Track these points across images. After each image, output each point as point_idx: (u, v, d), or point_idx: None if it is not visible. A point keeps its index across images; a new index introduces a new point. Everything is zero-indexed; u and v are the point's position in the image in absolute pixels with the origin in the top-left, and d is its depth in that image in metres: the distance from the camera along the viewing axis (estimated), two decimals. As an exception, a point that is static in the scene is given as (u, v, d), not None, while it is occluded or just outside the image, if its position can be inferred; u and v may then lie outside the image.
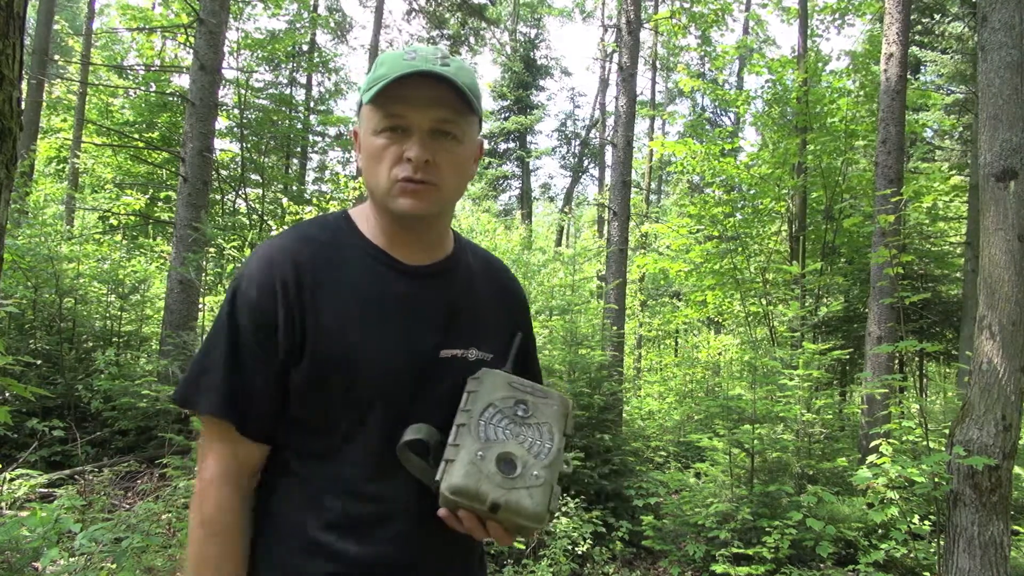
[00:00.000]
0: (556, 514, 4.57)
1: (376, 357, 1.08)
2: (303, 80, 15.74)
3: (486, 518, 1.02)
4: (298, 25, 14.35)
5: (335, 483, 1.08)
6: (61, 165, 11.83)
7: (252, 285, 1.07)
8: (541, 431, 1.07)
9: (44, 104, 11.17)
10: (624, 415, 6.83)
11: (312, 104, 15.64)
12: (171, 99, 11.16)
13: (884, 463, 4.18)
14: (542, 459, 1.03)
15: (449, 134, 1.10)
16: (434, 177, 1.08)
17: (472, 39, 19.96)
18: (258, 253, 1.12)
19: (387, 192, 1.09)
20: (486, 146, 25.31)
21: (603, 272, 8.77)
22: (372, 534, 1.07)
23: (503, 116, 25.63)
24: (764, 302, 9.14)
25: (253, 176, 13.11)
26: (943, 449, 3.86)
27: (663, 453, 6.69)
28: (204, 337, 1.13)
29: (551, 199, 31.70)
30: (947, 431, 3.98)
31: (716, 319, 12.97)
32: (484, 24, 19.24)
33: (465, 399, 1.08)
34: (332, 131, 15.48)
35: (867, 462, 4.43)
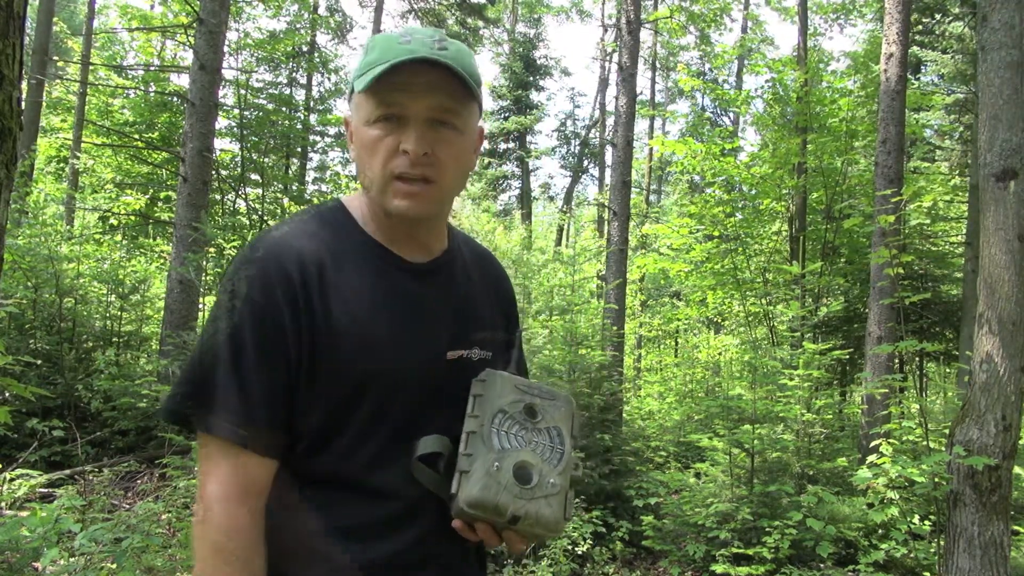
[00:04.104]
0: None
1: (388, 359, 1.03)
2: (303, 80, 15.74)
3: (502, 528, 1.00)
4: (298, 26, 14.35)
5: (347, 490, 1.03)
6: (61, 165, 11.82)
7: (255, 287, 0.99)
8: (552, 436, 1.04)
9: (44, 104, 11.16)
10: (624, 415, 6.84)
11: (312, 104, 15.64)
12: (171, 99, 11.16)
13: (884, 463, 4.18)
14: (556, 466, 1.02)
15: (448, 123, 1.04)
16: (432, 172, 1.03)
17: (471, 39, 19.94)
18: (257, 251, 1.02)
19: (383, 189, 1.04)
20: (486, 146, 25.41)
21: (603, 272, 8.77)
22: (385, 536, 1.03)
23: (503, 116, 25.61)
24: (764, 302, 9.14)
25: (253, 176, 13.11)
26: (943, 449, 3.86)
27: (663, 453, 6.68)
28: (197, 345, 1.02)
29: (551, 199, 31.70)
30: (947, 431, 3.98)
31: (716, 319, 12.97)
32: (483, 23, 19.24)
33: (472, 404, 1.04)
34: (332, 131, 15.48)
35: (867, 462, 4.44)
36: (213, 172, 7.81)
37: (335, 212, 1.12)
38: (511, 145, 26.00)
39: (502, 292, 1.28)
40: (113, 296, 6.65)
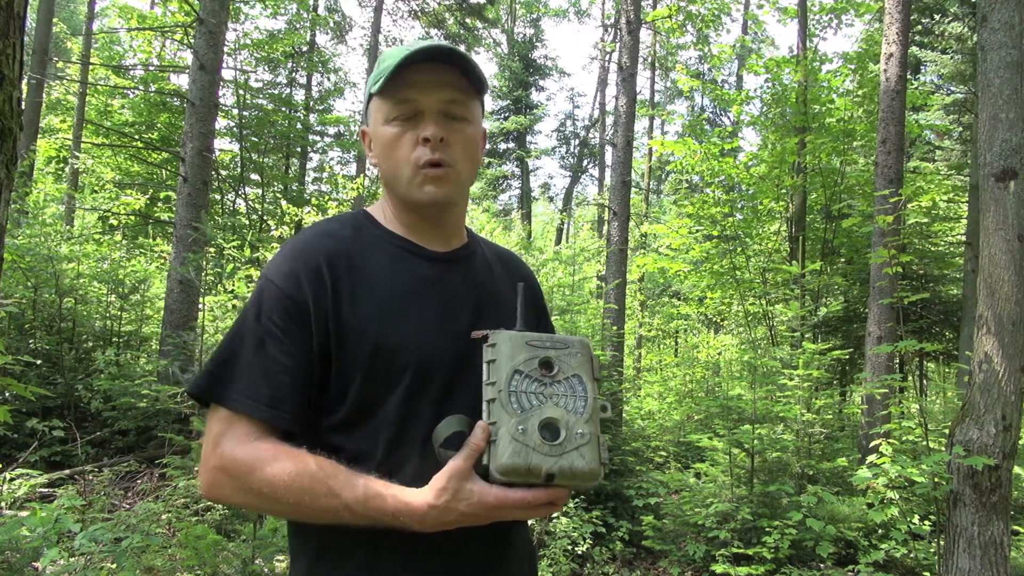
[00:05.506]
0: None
1: (415, 339, 1.07)
2: (303, 80, 15.74)
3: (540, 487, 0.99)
4: (297, 25, 14.35)
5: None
6: (61, 165, 11.82)
7: (280, 276, 1.06)
8: (572, 385, 1.03)
9: (44, 104, 11.16)
10: (624, 415, 6.84)
11: (311, 104, 15.64)
12: (171, 99, 11.16)
13: (884, 463, 4.18)
14: (581, 415, 1.01)
15: (458, 116, 1.12)
16: (449, 157, 1.10)
17: (470, 39, 19.93)
18: (284, 249, 1.11)
19: (410, 181, 1.10)
20: (486, 146, 25.43)
21: (603, 272, 8.77)
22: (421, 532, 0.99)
23: (502, 116, 25.63)
24: (763, 302, 9.14)
25: (253, 176, 13.11)
26: (943, 449, 3.86)
27: (663, 453, 6.68)
28: (226, 332, 1.09)
29: (551, 199, 31.71)
30: (947, 431, 3.98)
31: (715, 319, 12.97)
32: (482, 24, 19.23)
33: (487, 371, 1.03)
34: (332, 131, 15.48)
35: (867, 462, 4.43)
36: (213, 172, 7.82)
37: (356, 216, 1.19)
38: (511, 145, 26.00)
39: (527, 289, 1.28)
40: (113, 296, 6.65)
